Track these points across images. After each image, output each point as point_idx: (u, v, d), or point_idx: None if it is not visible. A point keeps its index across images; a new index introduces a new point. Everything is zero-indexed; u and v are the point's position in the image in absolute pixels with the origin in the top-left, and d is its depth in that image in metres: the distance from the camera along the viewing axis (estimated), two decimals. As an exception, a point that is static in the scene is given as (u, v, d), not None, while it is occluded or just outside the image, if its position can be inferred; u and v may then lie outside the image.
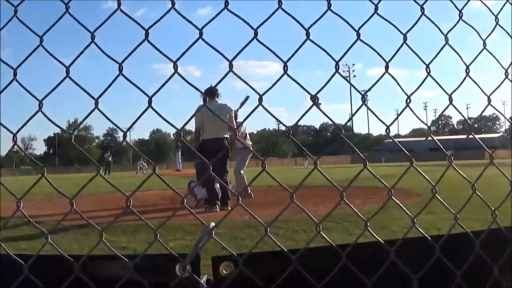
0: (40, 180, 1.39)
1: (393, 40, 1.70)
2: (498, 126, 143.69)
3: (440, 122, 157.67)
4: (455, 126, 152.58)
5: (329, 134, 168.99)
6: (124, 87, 1.45)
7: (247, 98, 12.56)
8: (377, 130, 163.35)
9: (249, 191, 12.82)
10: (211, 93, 10.66)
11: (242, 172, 13.08)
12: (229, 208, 10.17)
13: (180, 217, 6.12)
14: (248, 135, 14.05)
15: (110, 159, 53.65)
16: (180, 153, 41.11)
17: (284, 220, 7.50)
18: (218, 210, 10.09)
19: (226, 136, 10.56)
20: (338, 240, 6.44)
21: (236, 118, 12.57)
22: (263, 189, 13.29)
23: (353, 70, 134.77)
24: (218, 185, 10.54)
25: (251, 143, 14.06)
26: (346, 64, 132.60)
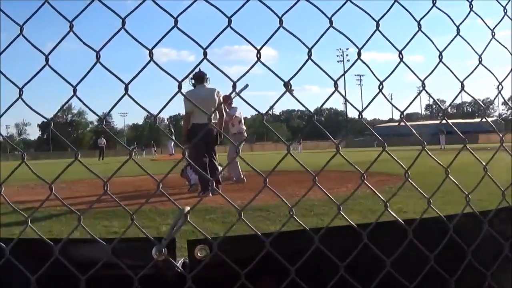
0: (21, 166, 1.41)
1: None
2: (492, 111, 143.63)
3: (434, 106, 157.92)
4: (449, 110, 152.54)
5: (322, 119, 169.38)
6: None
7: (246, 86, 12.58)
8: (371, 114, 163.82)
9: (242, 176, 12.88)
10: (199, 78, 10.62)
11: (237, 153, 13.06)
12: (220, 192, 10.16)
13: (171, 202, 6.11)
14: (242, 120, 14.00)
15: (103, 144, 53.49)
16: (173, 138, 40.99)
17: (276, 205, 7.56)
18: (210, 194, 10.12)
19: (215, 121, 10.59)
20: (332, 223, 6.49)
21: (230, 103, 12.60)
22: (257, 173, 13.25)
23: (347, 55, 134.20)
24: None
25: (245, 128, 14.00)
26: (340, 49, 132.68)
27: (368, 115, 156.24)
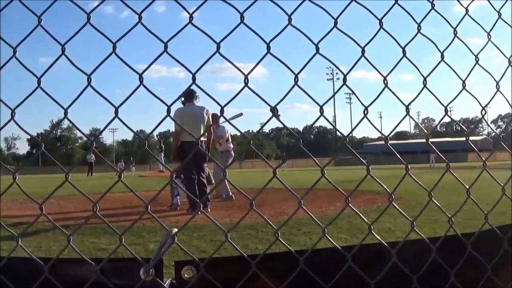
0: (13, 184, 1.42)
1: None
2: (481, 129, 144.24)
3: (423, 125, 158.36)
4: (438, 129, 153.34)
5: (312, 137, 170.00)
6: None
7: (240, 114, 12.73)
8: (360, 132, 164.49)
9: (231, 194, 12.89)
10: (189, 96, 10.67)
11: (223, 175, 13.03)
12: (209, 210, 10.22)
13: (160, 219, 6.12)
14: (230, 138, 14.05)
15: (92, 159, 53.37)
16: (162, 154, 41.04)
17: (264, 223, 7.52)
18: (198, 212, 10.08)
19: (204, 139, 10.64)
20: (318, 244, 6.50)
21: (217, 121, 12.61)
22: (245, 191, 13.21)
23: (337, 73, 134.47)
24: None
25: (232, 146, 14.04)
26: (330, 67, 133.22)
27: (357, 134, 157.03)
